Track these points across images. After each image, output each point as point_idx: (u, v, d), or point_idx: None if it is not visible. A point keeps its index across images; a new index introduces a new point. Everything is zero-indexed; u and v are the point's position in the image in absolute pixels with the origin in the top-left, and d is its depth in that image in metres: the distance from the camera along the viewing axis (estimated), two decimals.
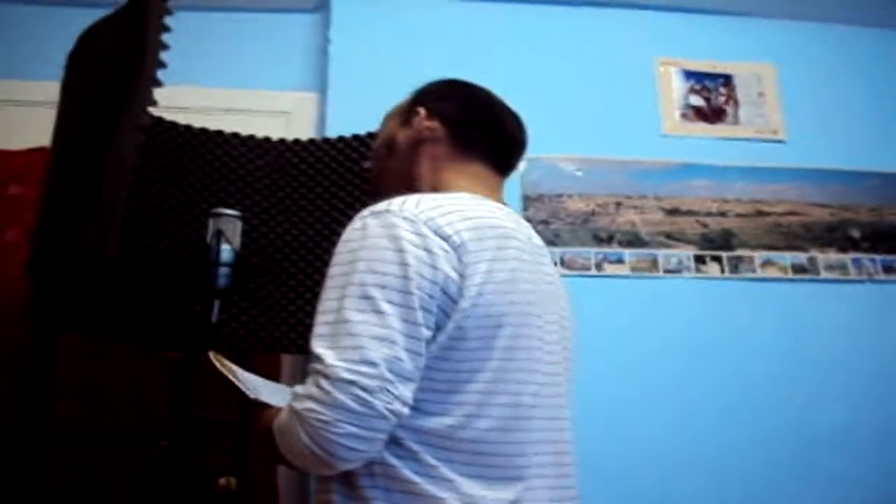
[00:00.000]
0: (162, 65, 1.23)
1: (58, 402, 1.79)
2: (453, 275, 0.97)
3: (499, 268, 1.02)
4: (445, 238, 0.98)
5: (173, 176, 1.79)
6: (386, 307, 0.93)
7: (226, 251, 1.57)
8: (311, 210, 1.84)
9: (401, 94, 1.31)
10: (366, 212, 1.03)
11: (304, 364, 1.93)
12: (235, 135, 1.87)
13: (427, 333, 0.95)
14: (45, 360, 1.61)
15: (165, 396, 1.76)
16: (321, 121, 2.18)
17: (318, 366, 0.92)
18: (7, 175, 2.06)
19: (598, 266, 2.13)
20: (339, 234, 1.89)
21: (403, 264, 0.95)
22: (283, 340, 1.78)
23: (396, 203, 1.02)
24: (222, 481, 1.64)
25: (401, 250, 0.96)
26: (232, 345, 1.72)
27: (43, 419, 1.67)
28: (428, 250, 0.97)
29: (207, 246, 1.56)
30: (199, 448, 1.60)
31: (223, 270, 1.54)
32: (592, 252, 2.14)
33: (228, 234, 1.57)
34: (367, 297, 0.94)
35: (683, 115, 2.31)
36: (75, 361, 1.89)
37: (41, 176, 2.02)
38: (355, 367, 0.90)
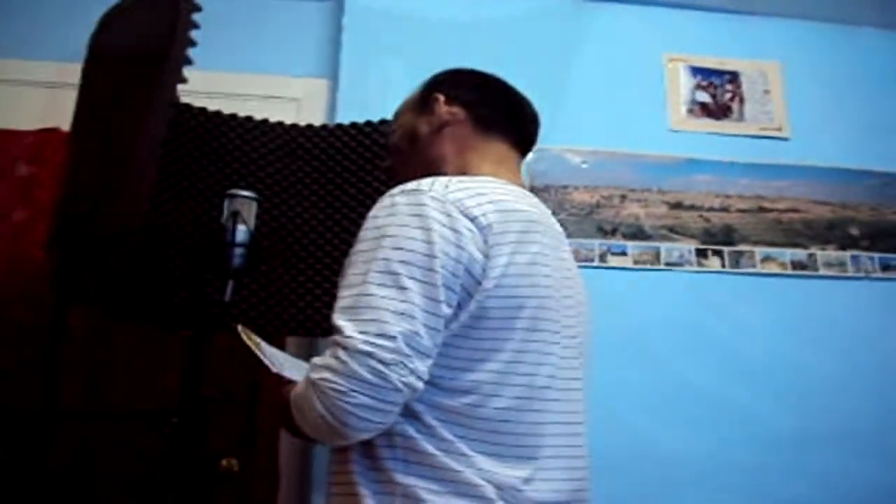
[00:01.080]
0: (192, 43, 1.24)
1: (66, 381, 1.80)
2: (478, 255, 0.99)
3: (522, 251, 1.04)
4: (472, 219, 1.00)
5: (186, 158, 1.80)
6: (409, 283, 0.95)
7: (241, 231, 1.57)
8: (322, 195, 1.85)
9: (411, 83, 1.32)
10: (395, 190, 1.05)
11: (310, 347, 1.94)
12: (249, 118, 1.88)
13: (448, 311, 0.97)
14: (57, 336, 1.62)
15: (173, 377, 1.77)
16: (331, 108, 2.18)
17: (337, 337, 0.94)
18: (18, 155, 2.06)
19: (602, 257, 2.15)
20: (349, 220, 1.90)
21: (429, 242, 0.97)
22: (291, 323, 1.79)
23: (426, 183, 1.04)
24: (224, 462, 1.66)
25: (427, 228, 0.98)
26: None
27: (53, 396, 1.68)
28: (454, 230, 0.99)
29: (223, 226, 1.57)
30: (204, 428, 1.61)
31: (238, 250, 1.55)
32: (596, 244, 2.16)
33: (244, 215, 1.58)
34: (391, 273, 0.96)
35: (690, 111, 2.32)
36: (84, 341, 1.90)
37: (52, 156, 2.03)
38: (373, 340, 0.91)
